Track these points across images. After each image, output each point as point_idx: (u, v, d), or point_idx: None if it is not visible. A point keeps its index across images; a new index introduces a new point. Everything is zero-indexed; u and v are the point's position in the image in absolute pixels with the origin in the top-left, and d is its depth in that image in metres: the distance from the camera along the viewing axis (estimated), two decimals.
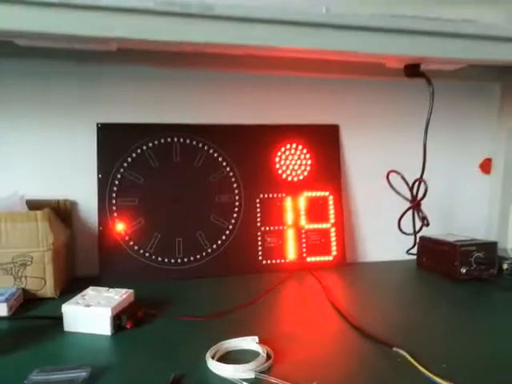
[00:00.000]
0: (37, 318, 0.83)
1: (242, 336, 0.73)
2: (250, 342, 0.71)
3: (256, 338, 0.72)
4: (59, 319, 0.79)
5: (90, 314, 0.77)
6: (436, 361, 0.66)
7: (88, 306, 0.78)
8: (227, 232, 1.12)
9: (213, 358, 0.66)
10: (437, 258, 1.13)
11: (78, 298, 0.82)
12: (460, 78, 1.13)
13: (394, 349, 0.70)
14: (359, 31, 0.79)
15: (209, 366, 0.65)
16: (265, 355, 0.67)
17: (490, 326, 0.82)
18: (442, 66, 1.02)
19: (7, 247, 0.89)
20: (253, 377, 0.62)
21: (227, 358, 0.67)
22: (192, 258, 1.08)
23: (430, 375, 0.62)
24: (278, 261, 1.14)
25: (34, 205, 0.99)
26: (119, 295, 0.82)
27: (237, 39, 0.76)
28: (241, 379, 0.61)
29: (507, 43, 0.84)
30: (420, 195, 1.07)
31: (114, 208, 1.06)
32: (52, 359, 0.68)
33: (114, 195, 1.06)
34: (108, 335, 0.76)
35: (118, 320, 0.78)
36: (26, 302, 0.90)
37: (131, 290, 0.85)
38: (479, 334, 0.79)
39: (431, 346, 0.73)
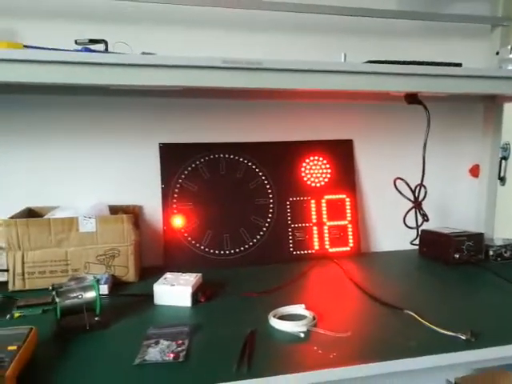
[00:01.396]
0: (132, 295, 1.08)
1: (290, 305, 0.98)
2: (298, 308, 0.97)
3: (303, 305, 0.97)
4: (148, 296, 1.05)
5: (175, 291, 1.03)
6: (436, 319, 0.90)
7: (172, 285, 1.04)
8: (264, 229, 1.37)
9: (274, 317, 0.92)
10: (435, 246, 1.38)
11: (162, 280, 1.07)
12: (451, 101, 1.38)
13: (405, 311, 0.96)
14: (369, 75, 1.04)
15: (272, 323, 0.91)
16: (311, 317, 0.93)
17: (474, 297, 1.08)
18: (436, 94, 1.27)
19: (101, 243, 1.15)
20: (305, 330, 0.87)
21: (283, 319, 0.92)
22: (237, 250, 1.34)
23: (433, 327, 0.88)
24: (306, 251, 1.39)
25: (111, 210, 1.25)
26: (193, 277, 1.08)
27: (276, 85, 1.02)
28: (297, 331, 0.87)
29: (485, 80, 1.09)
30: (421, 197, 1.32)
31: (175, 211, 1.31)
32: (154, 322, 0.93)
33: (175, 201, 1.31)
34: (188, 306, 1.02)
35: (195, 295, 1.04)
36: (114, 285, 1.15)
37: (200, 274, 1.11)
38: (467, 301, 1.05)
39: (432, 310, 0.98)
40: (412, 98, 1.27)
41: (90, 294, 0.89)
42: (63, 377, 0.72)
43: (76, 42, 1.07)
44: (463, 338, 0.83)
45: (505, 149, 2.70)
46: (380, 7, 1.34)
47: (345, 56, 1.08)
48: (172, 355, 0.77)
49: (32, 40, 1.06)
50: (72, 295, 0.87)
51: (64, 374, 0.73)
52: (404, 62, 1.08)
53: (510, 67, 1.18)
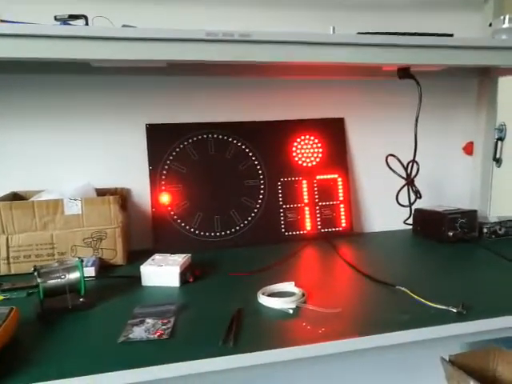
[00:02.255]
0: (119, 277, 1.06)
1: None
2: (288, 286, 0.95)
3: (292, 283, 0.96)
4: (135, 277, 1.03)
5: (163, 272, 1.01)
6: (428, 294, 0.88)
7: (160, 265, 1.02)
8: (255, 210, 1.35)
9: (263, 295, 0.90)
10: (429, 225, 1.36)
11: (149, 261, 1.05)
12: (444, 75, 1.35)
13: (397, 287, 0.94)
14: (360, 47, 1.01)
15: (260, 301, 0.89)
16: (300, 293, 0.91)
17: (468, 273, 1.07)
18: (428, 68, 1.24)
19: (88, 225, 1.12)
20: (294, 306, 0.86)
21: (273, 297, 0.91)
22: (228, 232, 1.32)
23: (425, 301, 0.86)
24: (298, 232, 1.37)
25: (98, 193, 1.22)
26: (181, 258, 1.06)
27: (264, 58, 0.98)
28: (286, 308, 0.85)
29: (477, 51, 1.06)
30: (413, 174, 1.30)
31: (164, 193, 1.29)
32: (141, 302, 0.91)
33: (163, 182, 1.29)
34: (177, 286, 1.00)
35: (183, 275, 1.02)
36: (102, 268, 1.13)
37: (189, 255, 1.09)
38: (460, 276, 1.03)
39: (424, 286, 0.96)
40: (404, 73, 1.24)
41: (74, 275, 0.87)
42: (44, 355, 0.70)
43: (55, 18, 1.03)
44: (454, 310, 0.81)
45: (500, 130, 2.68)
46: None
47: (333, 30, 1.05)
48: (157, 333, 0.75)
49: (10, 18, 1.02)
50: (55, 276, 0.84)
51: (45, 352, 0.71)
52: (395, 33, 1.05)
53: (503, 37, 1.15)
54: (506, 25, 1.16)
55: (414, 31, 1.07)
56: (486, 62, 1.11)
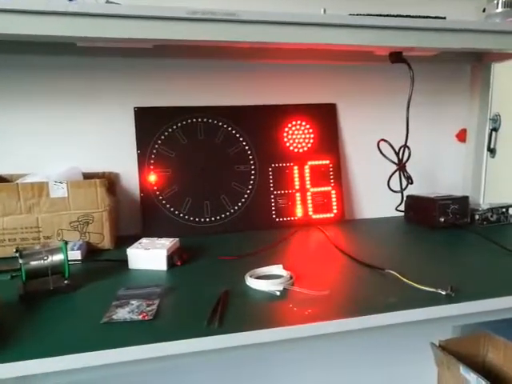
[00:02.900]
0: (106, 260, 1.05)
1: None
2: (275, 268, 0.94)
3: (280, 266, 0.95)
4: (122, 261, 1.01)
5: (150, 255, 0.99)
6: (418, 277, 0.87)
7: (147, 249, 1.00)
8: (246, 195, 1.33)
9: (250, 277, 0.89)
10: (420, 211, 1.36)
11: (136, 244, 1.04)
12: (437, 61, 1.33)
13: (386, 270, 0.93)
14: (351, 28, 0.99)
15: (248, 283, 0.88)
16: (288, 276, 0.90)
17: (458, 257, 1.06)
18: (421, 53, 1.23)
19: (74, 209, 1.10)
20: (281, 288, 0.85)
21: (260, 279, 0.90)
22: (218, 217, 1.30)
23: (414, 284, 0.85)
24: (289, 218, 1.36)
25: (85, 176, 1.20)
26: (169, 241, 1.05)
27: (253, 38, 0.96)
28: (273, 290, 0.84)
29: (470, 34, 1.05)
30: (405, 159, 1.29)
31: (152, 177, 1.27)
32: (127, 284, 0.89)
33: (152, 167, 1.27)
34: (164, 270, 0.99)
35: (171, 259, 1.00)
36: (89, 252, 1.11)
37: (177, 238, 1.08)
38: (451, 261, 1.03)
39: (414, 270, 0.94)
40: (396, 57, 1.22)
41: (58, 257, 0.85)
42: (24, 335, 0.69)
43: None
44: (443, 293, 0.80)
45: (495, 120, 2.68)
46: None
47: (324, 11, 1.03)
48: (141, 314, 0.74)
49: None
50: (37, 257, 0.83)
51: (25, 333, 0.69)
52: (388, 15, 1.04)
53: (496, 21, 1.14)
54: (499, 9, 1.16)
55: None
56: (478, 46, 1.09)
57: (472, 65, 1.47)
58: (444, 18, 1.07)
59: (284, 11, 0.97)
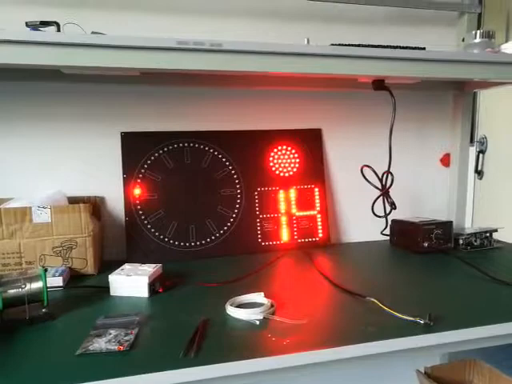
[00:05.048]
0: (87, 287, 1.04)
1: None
2: (257, 296, 0.94)
3: (262, 294, 0.94)
4: (104, 288, 1.01)
5: (132, 282, 0.99)
6: (398, 305, 0.87)
7: (129, 275, 1.00)
8: (231, 219, 1.34)
9: (231, 306, 0.89)
10: (405, 236, 1.37)
11: (118, 271, 1.03)
12: (419, 88, 1.36)
13: (367, 298, 0.93)
14: (333, 58, 1.02)
15: (228, 312, 0.88)
16: (269, 304, 0.90)
17: (440, 283, 1.06)
18: (403, 81, 1.25)
19: (57, 234, 1.10)
20: (261, 317, 0.84)
21: (241, 307, 0.89)
22: (203, 242, 1.30)
23: (393, 312, 0.85)
24: (274, 242, 1.36)
25: (70, 201, 1.21)
26: (151, 268, 1.04)
27: (237, 67, 0.98)
28: (253, 319, 0.84)
29: (449, 64, 1.08)
30: (388, 184, 1.30)
31: (138, 202, 1.27)
32: (107, 313, 0.88)
33: (138, 191, 1.27)
34: (145, 297, 0.98)
35: (152, 286, 1.00)
36: (72, 278, 1.10)
37: (160, 264, 1.07)
38: (433, 287, 1.03)
39: (396, 296, 0.95)
40: (379, 85, 1.25)
41: (37, 285, 0.84)
42: None
43: (26, 25, 1.02)
44: (421, 322, 0.81)
45: (482, 143, 2.73)
46: None
47: (308, 41, 1.06)
48: (117, 345, 0.73)
49: None
50: (15, 285, 0.82)
51: None
52: (369, 46, 1.06)
53: (475, 51, 1.17)
54: (478, 39, 1.19)
55: (388, 44, 1.09)
56: (457, 76, 1.12)
57: (454, 93, 1.50)
58: (423, 48, 1.10)
59: (268, 41, 0.99)
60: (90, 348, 0.72)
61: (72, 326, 0.83)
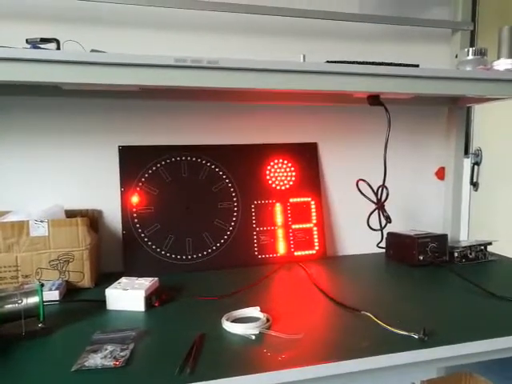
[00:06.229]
0: (84, 300, 1.04)
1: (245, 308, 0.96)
2: (253, 311, 0.94)
3: (258, 308, 0.95)
4: (101, 301, 1.01)
5: (128, 296, 0.99)
6: (393, 320, 0.88)
7: (125, 289, 1.00)
8: (228, 232, 1.35)
9: (227, 320, 0.89)
10: (400, 249, 1.37)
11: (115, 284, 1.04)
12: (414, 103, 1.38)
13: (362, 312, 0.94)
14: (328, 75, 1.04)
15: (224, 326, 0.88)
16: (265, 319, 0.90)
17: (435, 297, 1.07)
18: (397, 96, 1.27)
19: (54, 248, 1.11)
20: (257, 332, 0.85)
21: (237, 322, 0.90)
22: (200, 254, 1.31)
23: (387, 327, 0.86)
24: (271, 255, 1.37)
25: (67, 214, 1.21)
26: (148, 281, 1.05)
27: (233, 84, 1.00)
28: (249, 334, 0.84)
29: (441, 81, 1.10)
30: (383, 198, 1.32)
31: (135, 215, 1.28)
32: (104, 327, 0.89)
33: (135, 204, 1.28)
34: (142, 311, 0.99)
35: (149, 300, 1.00)
36: (69, 291, 1.11)
37: (156, 278, 1.08)
38: (427, 301, 1.04)
39: (391, 311, 0.96)
40: (374, 100, 1.27)
41: (33, 300, 0.85)
42: None
43: (27, 41, 1.04)
44: (416, 337, 0.81)
45: (477, 154, 2.75)
46: (341, 10, 1.35)
47: (304, 57, 1.08)
48: (113, 361, 0.73)
49: None
50: (11, 300, 0.82)
51: None
52: (363, 63, 1.08)
53: (467, 69, 1.19)
54: (470, 57, 1.21)
55: (383, 61, 1.11)
56: (450, 92, 1.15)
57: (449, 108, 1.53)
58: (417, 65, 1.12)
59: (264, 59, 1.01)
60: (86, 364, 0.73)
61: (68, 340, 0.84)
